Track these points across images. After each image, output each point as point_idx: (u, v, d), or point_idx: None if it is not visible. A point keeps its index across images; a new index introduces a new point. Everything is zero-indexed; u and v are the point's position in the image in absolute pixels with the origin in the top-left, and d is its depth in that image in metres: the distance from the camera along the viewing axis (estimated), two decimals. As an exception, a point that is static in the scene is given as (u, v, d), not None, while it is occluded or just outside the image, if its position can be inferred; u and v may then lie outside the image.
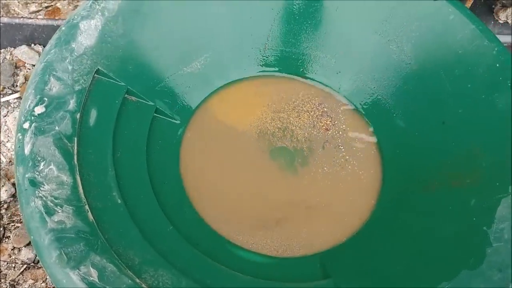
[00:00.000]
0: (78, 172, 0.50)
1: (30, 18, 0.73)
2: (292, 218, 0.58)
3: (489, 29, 0.58)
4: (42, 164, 0.49)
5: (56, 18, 0.75)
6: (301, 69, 0.66)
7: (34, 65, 0.73)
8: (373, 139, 0.63)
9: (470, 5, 0.69)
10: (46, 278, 0.61)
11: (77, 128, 0.52)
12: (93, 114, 0.54)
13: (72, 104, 0.53)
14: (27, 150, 0.48)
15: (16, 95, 0.71)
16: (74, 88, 0.53)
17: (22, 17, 0.73)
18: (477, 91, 0.57)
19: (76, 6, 0.76)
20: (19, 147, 0.49)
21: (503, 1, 0.75)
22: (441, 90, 0.59)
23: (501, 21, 0.76)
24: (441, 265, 0.51)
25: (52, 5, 0.76)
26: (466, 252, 0.50)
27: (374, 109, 0.64)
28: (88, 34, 0.56)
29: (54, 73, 0.53)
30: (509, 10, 0.75)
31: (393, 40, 0.62)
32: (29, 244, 0.62)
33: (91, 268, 0.45)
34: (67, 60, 0.54)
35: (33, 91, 0.51)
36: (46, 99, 0.51)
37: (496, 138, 0.55)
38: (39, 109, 0.51)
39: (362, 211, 0.58)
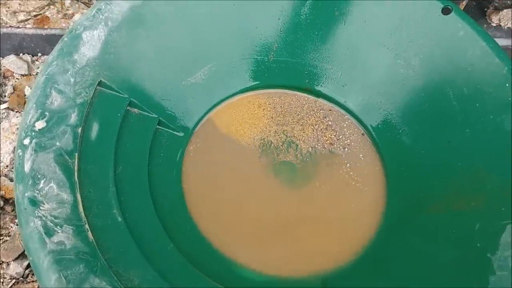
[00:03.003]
0: (78, 190, 0.49)
1: (18, 27, 0.72)
2: (294, 236, 0.57)
3: (500, 47, 0.57)
4: (42, 182, 0.48)
5: (45, 27, 0.74)
6: (307, 81, 0.65)
7: (22, 75, 0.72)
8: (378, 155, 0.62)
9: (463, 7, 0.68)
10: (36, 293, 0.61)
11: (78, 143, 0.51)
12: (95, 127, 0.53)
13: (73, 118, 0.52)
14: (27, 168, 0.48)
15: (5, 105, 0.70)
16: (76, 101, 0.53)
17: (10, 26, 0.73)
18: (485, 111, 0.56)
19: (65, 15, 0.75)
20: (19, 164, 0.48)
21: (496, 4, 0.75)
22: (448, 108, 0.58)
23: (493, 24, 0.76)
24: (442, 291, 0.50)
25: (41, 14, 0.75)
26: (469, 279, 0.50)
27: (380, 124, 0.63)
28: (91, 45, 0.55)
29: (56, 86, 0.52)
30: (501, 13, 0.75)
31: (401, 55, 0.61)
32: (17, 258, 0.61)
33: (90, 292, 0.45)
34: (69, 72, 0.53)
35: (34, 105, 0.50)
36: (47, 113, 0.51)
37: (503, 161, 0.54)
38: (40, 124, 0.50)
39: (364, 230, 0.58)
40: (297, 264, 0.56)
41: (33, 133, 0.49)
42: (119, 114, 0.55)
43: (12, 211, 0.64)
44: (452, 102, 0.58)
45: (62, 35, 0.70)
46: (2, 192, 0.64)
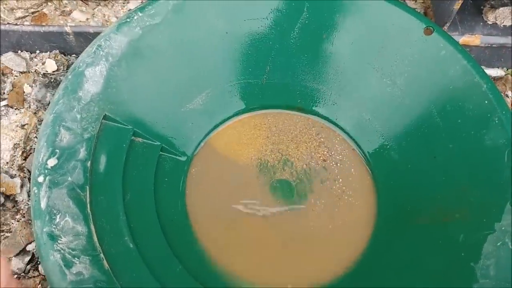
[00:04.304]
0: (92, 221, 0.53)
1: (16, 24, 0.73)
2: (292, 251, 0.62)
3: (480, 66, 0.60)
4: (58, 217, 0.52)
5: (43, 24, 0.74)
6: (299, 101, 0.68)
7: (21, 72, 0.74)
8: (368, 170, 0.66)
9: (459, 6, 0.70)
10: (37, 288, 0.63)
11: (89, 176, 0.55)
12: (103, 160, 0.57)
13: (82, 152, 0.56)
14: (43, 204, 0.52)
15: (4, 102, 0.71)
16: (84, 136, 0.56)
17: (8, 23, 0.73)
18: (467, 127, 0.60)
19: (63, 12, 0.76)
20: (35, 201, 0.52)
21: (492, 2, 0.76)
22: (432, 124, 0.62)
23: (489, 22, 0.77)
24: (431, 300, 0.55)
25: (38, 11, 0.76)
26: (456, 287, 0.54)
27: (369, 140, 0.67)
28: (93, 81, 0.58)
29: (64, 123, 0.55)
30: (498, 11, 0.76)
31: (387, 74, 0.64)
32: (19, 254, 0.63)
33: (109, 318, 0.49)
34: (75, 109, 0.56)
35: (45, 143, 0.54)
36: (57, 150, 0.54)
37: (483, 174, 0.58)
38: (52, 162, 0.54)
39: (357, 242, 0.62)
40: (297, 278, 0.60)
41: (46, 171, 0.53)
42: (124, 145, 0.59)
43: (12, 208, 0.66)
44: (436, 119, 0.62)
45: (60, 32, 0.73)
46: (3, 189, 0.66)
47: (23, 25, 0.73)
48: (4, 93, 0.72)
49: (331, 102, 0.68)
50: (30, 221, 0.65)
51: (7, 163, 0.67)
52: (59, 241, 0.51)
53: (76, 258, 0.51)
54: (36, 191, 0.52)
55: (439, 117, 0.62)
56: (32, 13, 0.76)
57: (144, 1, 0.76)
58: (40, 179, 0.53)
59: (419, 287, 0.56)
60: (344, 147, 0.67)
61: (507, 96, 0.77)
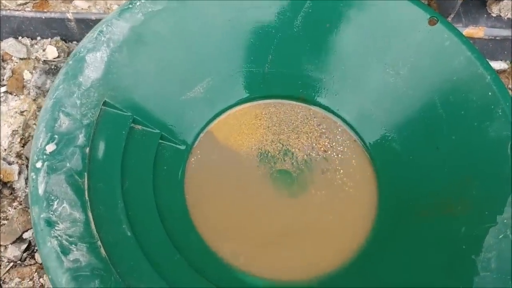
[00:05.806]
0: (89, 208, 0.53)
1: (17, 10, 0.72)
2: (293, 241, 0.61)
3: (484, 57, 0.60)
4: (55, 203, 0.51)
5: (45, 10, 0.74)
6: (301, 90, 0.68)
7: (21, 59, 0.73)
8: (370, 161, 0.66)
9: None
10: (33, 277, 0.62)
11: (87, 162, 0.54)
12: (101, 147, 0.56)
13: (81, 139, 0.55)
14: (41, 190, 0.51)
15: (3, 89, 0.71)
16: (83, 122, 0.55)
17: (9, 9, 0.72)
18: (470, 118, 0.59)
19: None
20: (33, 187, 0.51)
21: None
22: (435, 115, 0.62)
23: (494, 15, 0.76)
24: (431, 292, 0.54)
25: None
26: (456, 280, 0.54)
27: (371, 131, 0.66)
28: (94, 66, 0.57)
29: (63, 109, 0.55)
30: (502, 3, 0.75)
31: (390, 64, 0.64)
32: (15, 241, 0.63)
33: (106, 306, 0.49)
34: (75, 95, 0.56)
35: (44, 129, 0.53)
36: (56, 136, 0.54)
37: (486, 166, 0.57)
38: (51, 147, 0.53)
39: (358, 234, 0.62)
40: (296, 268, 0.60)
41: (44, 156, 0.52)
42: (123, 132, 0.58)
43: (10, 195, 0.66)
44: (439, 110, 0.61)
45: (62, 19, 0.72)
46: (0, 176, 0.65)
47: (25, 11, 0.73)
48: (3, 79, 0.72)
49: (333, 92, 0.67)
50: (27, 209, 0.64)
51: (5, 149, 0.67)
52: (56, 228, 0.50)
53: (73, 245, 0.50)
54: (34, 176, 0.51)
55: (442, 108, 0.61)
56: (34, -1, 0.75)
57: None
58: (38, 164, 0.52)
59: (419, 279, 0.56)
60: (345, 138, 0.67)
61: (510, 89, 0.77)
